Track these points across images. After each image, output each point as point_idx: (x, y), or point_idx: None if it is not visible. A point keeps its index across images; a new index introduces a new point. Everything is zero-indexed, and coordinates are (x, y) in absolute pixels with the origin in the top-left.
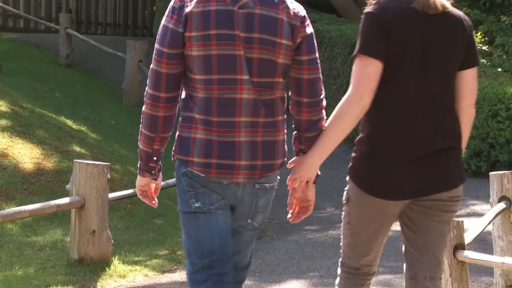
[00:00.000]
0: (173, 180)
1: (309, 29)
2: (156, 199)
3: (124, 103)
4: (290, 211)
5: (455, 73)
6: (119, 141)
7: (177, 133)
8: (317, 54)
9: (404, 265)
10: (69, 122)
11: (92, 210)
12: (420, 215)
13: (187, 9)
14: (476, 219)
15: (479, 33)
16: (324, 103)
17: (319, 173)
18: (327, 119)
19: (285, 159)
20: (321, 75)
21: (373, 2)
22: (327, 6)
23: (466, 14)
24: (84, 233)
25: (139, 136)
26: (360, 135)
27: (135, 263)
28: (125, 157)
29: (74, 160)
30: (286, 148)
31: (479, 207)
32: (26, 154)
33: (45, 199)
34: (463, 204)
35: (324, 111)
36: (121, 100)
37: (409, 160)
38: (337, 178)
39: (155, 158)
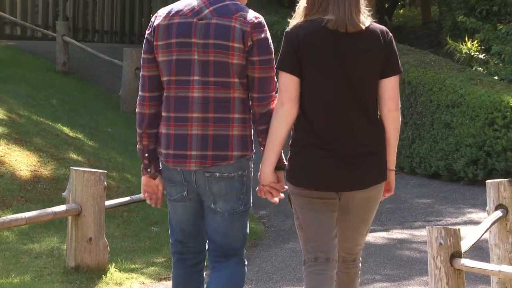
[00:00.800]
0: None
1: (262, 34)
2: (158, 202)
3: (121, 111)
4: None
5: (374, 84)
6: (116, 148)
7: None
8: (270, 56)
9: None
10: (66, 130)
11: (89, 217)
12: (342, 208)
13: (156, 22)
14: (473, 227)
15: (475, 41)
16: (274, 96)
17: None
18: None
19: (248, 152)
20: (273, 74)
21: (293, 22)
22: None
23: (463, 22)
24: (80, 240)
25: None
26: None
27: (132, 270)
28: (122, 165)
29: (71, 167)
30: (249, 143)
31: (475, 215)
32: (22, 162)
33: (42, 206)
34: (460, 212)
35: (273, 103)
36: (118, 107)
37: (320, 159)
38: None
39: (146, 155)
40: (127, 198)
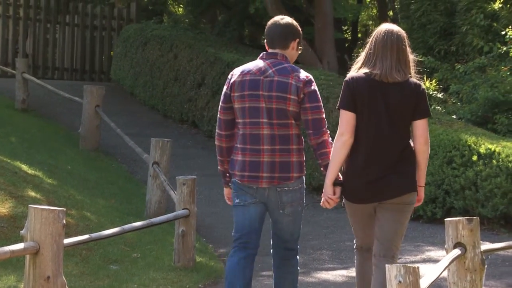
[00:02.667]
0: (128, 226)
1: (311, 88)
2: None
3: (81, 148)
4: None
5: (407, 124)
6: (75, 186)
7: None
8: (319, 103)
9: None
10: (24, 167)
11: (47, 256)
12: (378, 211)
13: (232, 80)
14: (432, 265)
15: (433, 81)
16: (326, 131)
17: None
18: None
19: (303, 173)
20: (322, 116)
21: (351, 73)
22: None
23: (421, 61)
24: (38, 279)
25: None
26: None
27: None
28: (81, 203)
29: (29, 205)
30: (303, 166)
31: (434, 253)
32: None
33: None
34: (419, 250)
35: (325, 135)
36: (78, 145)
37: (361, 177)
38: None
39: (227, 174)
40: (86, 236)
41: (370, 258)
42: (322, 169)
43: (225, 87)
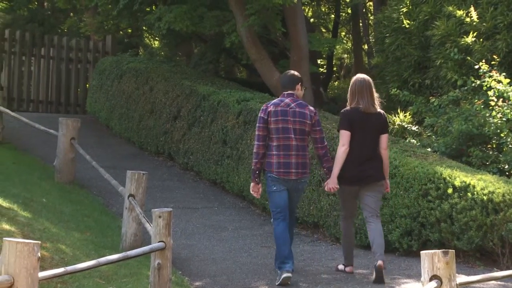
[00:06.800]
0: (104, 259)
1: (317, 117)
2: (259, 195)
3: (56, 181)
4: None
5: (378, 137)
6: (50, 219)
7: (266, 159)
8: (321, 127)
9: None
10: None
11: None
12: (363, 192)
13: (268, 109)
14: None
15: (408, 113)
16: (326, 145)
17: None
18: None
19: (309, 170)
20: (324, 135)
21: (346, 108)
22: (260, 85)
23: (396, 95)
24: None
25: (252, 163)
26: None
27: None
28: (56, 236)
29: (4, 238)
30: (310, 166)
31: (410, 285)
32: None
33: None
34: (395, 283)
35: (326, 148)
36: (53, 177)
37: (353, 170)
38: (270, 256)
39: (257, 172)
40: (61, 269)
41: (352, 223)
42: (325, 170)
43: (262, 114)
